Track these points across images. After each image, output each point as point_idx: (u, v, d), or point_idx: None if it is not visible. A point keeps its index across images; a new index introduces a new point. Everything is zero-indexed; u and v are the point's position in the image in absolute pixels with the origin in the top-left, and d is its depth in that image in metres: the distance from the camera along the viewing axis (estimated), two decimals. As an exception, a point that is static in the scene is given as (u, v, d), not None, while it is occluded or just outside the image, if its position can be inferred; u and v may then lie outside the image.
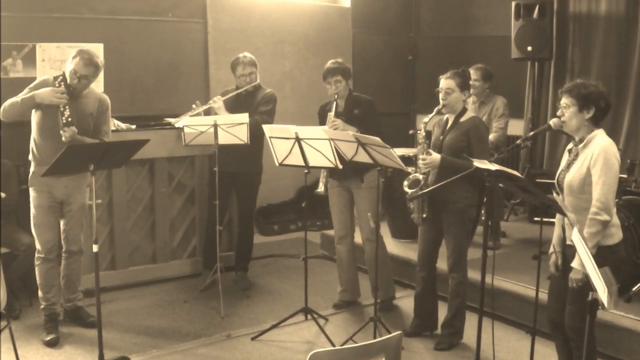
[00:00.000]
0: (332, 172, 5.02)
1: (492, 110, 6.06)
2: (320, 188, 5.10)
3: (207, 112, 5.68)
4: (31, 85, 4.51)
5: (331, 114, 4.95)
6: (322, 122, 5.08)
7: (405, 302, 5.29)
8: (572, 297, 3.47)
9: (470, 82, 5.97)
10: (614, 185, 3.38)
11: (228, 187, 5.61)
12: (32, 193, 4.60)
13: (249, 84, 5.60)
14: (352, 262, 5.30)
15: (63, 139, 4.36)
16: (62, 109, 4.35)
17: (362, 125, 4.85)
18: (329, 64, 5.05)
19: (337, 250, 5.32)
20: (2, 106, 4.44)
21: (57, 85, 4.38)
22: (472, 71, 6.00)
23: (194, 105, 5.58)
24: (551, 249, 3.72)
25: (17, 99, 4.41)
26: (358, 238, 5.28)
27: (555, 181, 3.66)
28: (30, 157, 4.62)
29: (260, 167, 5.77)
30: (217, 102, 5.54)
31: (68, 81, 4.43)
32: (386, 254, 5.27)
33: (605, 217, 3.33)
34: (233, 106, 5.55)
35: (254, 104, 5.59)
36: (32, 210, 4.61)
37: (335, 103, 5.02)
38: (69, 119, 4.36)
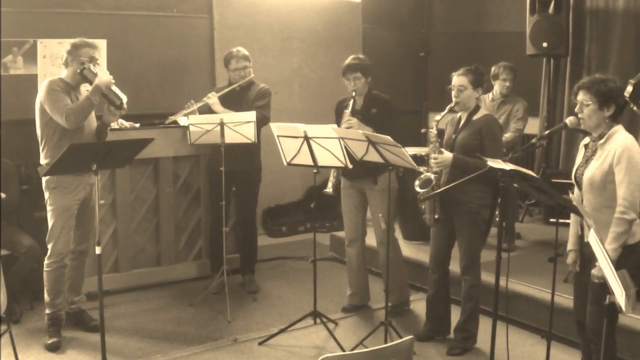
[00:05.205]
0: (344, 172, 4.90)
1: (512, 111, 6.01)
2: (329, 188, 4.98)
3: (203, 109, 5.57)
4: (56, 90, 4.35)
5: (347, 112, 4.83)
6: (339, 118, 4.96)
7: (417, 305, 5.22)
8: (592, 298, 3.44)
9: (502, 83, 5.91)
10: (639, 183, 3.34)
11: (228, 187, 5.43)
12: (55, 196, 4.46)
13: (242, 79, 5.50)
14: (362, 265, 5.20)
15: (112, 119, 4.57)
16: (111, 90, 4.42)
17: (377, 125, 4.72)
18: (350, 59, 4.91)
19: (347, 253, 5.22)
20: (66, 117, 4.30)
21: (93, 68, 4.41)
22: (498, 69, 5.97)
23: (188, 104, 5.47)
24: (569, 247, 3.68)
25: (79, 103, 4.35)
26: (370, 241, 5.18)
27: (572, 177, 3.62)
28: (47, 161, 4.45)
29: (259, 163, 5.67)
30: (212, 97, 5.45)
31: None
32: (400, 257, 5.16)
33: (633, 215, 3.32)
34: (226, 102, 5.44)
35: (248, 99, 5.50)
36: (55, 214, 4.48)
37: (353, 100, 4.89)
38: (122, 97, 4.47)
